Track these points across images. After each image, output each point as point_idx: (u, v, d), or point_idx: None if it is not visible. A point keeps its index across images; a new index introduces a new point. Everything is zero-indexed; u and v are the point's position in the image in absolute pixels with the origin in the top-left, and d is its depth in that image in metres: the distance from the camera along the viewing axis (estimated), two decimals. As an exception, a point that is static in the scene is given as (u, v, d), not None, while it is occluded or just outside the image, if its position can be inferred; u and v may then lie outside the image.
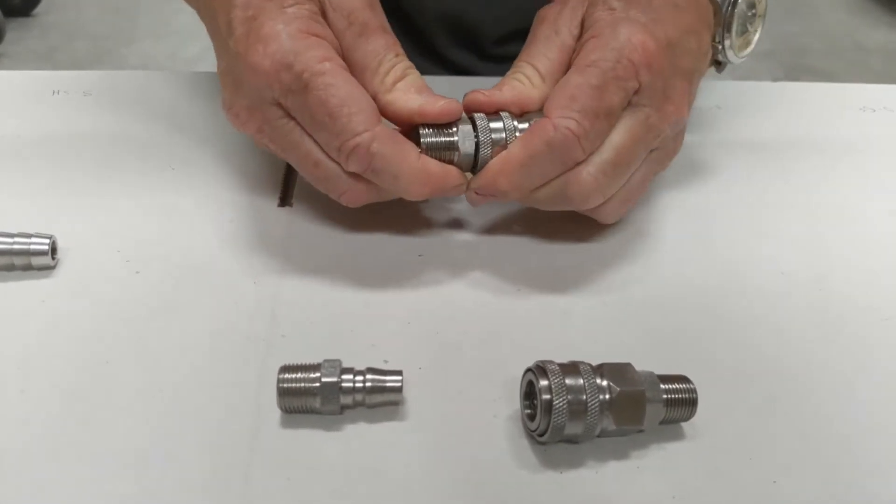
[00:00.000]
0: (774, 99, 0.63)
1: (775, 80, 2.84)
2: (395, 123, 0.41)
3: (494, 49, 0.70)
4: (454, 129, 0.40)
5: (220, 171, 0.49)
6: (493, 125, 0.40)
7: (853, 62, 2.91)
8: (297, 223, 0.45)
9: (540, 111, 0.40)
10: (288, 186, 0.48)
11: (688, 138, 0.55)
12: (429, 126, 0.40)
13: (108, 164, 0.49)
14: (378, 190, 0.40)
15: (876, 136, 0.58)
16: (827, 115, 0.61)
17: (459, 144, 0.40)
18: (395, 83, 0.40)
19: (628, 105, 0.40)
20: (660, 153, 0.43)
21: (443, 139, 0.39)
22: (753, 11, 0.48)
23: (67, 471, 0.31)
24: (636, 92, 0.39)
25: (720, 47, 0.46)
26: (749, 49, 0.48)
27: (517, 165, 0.39)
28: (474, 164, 0.40)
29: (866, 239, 0.47)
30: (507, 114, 0.40)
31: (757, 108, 0.61)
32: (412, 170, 0.38)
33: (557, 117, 0.38)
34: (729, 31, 0.46)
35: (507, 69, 0.43)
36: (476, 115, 0.40)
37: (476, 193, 0.40)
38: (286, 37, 0.37)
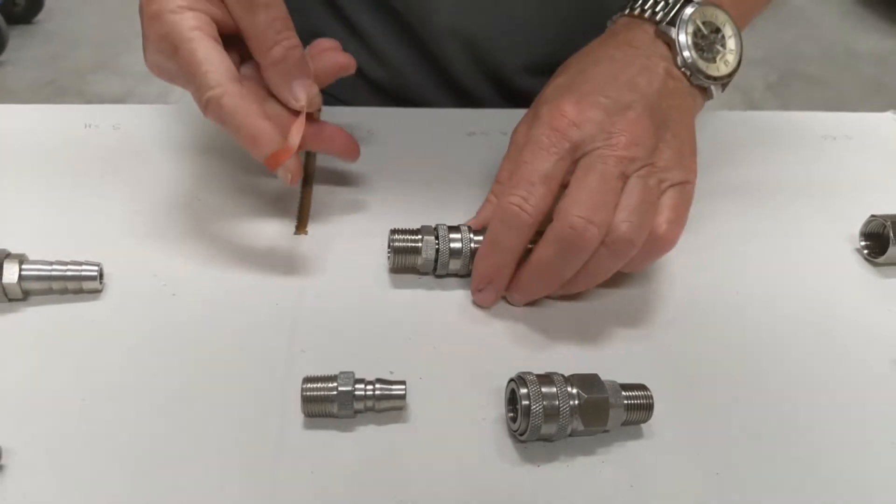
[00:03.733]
0: (740, 127, 0.69)
1: (768, 85, 2.90)
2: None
3: (516, 81, 0.71)
4: (419, 238, 0.47)
5: (242, 201, 0.54)
6: (453, 236, 0.47)
7: (845, 68, 2.96)
8: (311, 249, 0.51)
9: None
10: (303, 216, 0.54)
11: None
12: (399, 231, 0.47)
13: (142, 195, 0.54)
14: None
15: (834, 164, 0.64)
16: (790, 144, 0.66)
17: (423, 250, 0.47)
18: (274, 65, 0.45)
19: (579, 158, 0.44)
20: (646, 170, 0.44)
21: (409, 245, 0.47)
22: (721, 34, 0.49)
23: (121, 466, 0.37)
24: (576, 148, 0.43)
25: (688, 73, 0.48)
26: (729, 69, 0.49)
27: (486, 246, 0.45)
28: (434, 268, 0.48)
29: (814, 263, 0.53)
30: (466, 227, 0.48)
31: (722, 137, 0.66)
32: (250, 126, 0.43)
33: (502, 196, 0.44)
34: (685, 59, 0.47)
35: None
36: (440, 226, 0.47)
37: (478, 290, 0.46)
38: (167, 12, 0.43)
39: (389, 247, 0.47)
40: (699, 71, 0.47)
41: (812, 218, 0.57)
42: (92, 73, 2.76)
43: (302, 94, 0.46)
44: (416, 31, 0.68)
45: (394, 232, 0.48)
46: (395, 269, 0.49)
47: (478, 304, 0.47)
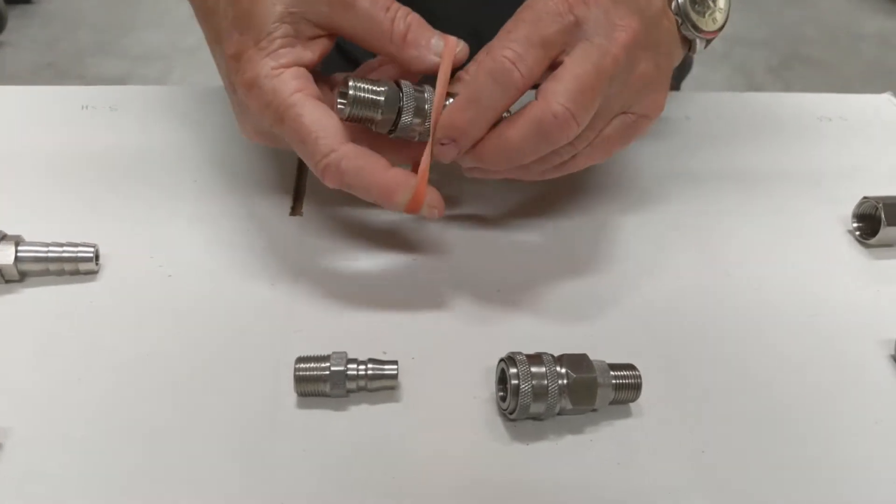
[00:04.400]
0: (736, 109, 0.69)
1: (770, 67, 2.89)
2: (422, 74, 0.44)
3: None
4: (382, 89, 0.41)
5: (237, 182, 0.55)
6: (418, 94, 0.41)
7: (848, 50, 2.94)
8: (306, 231, 0.51)
9: None
10: (298, 197, 0.54)
11: (657, 147, 0.62)
12: (359, 80, 0.41)
13: (138, 177, 0.55)
14: None
15: (829, 145, 0.64)
16: (786, 125, 0.67)
17: (383, 104, 0.41)
18: (403, 40, 0.42)
19: (578, 41, 0.41)
20: (618, 89, 0.43)
21: (369, 96, 0.41)
22: None
23: (120, 446, 0.38)
24: (578, 26, 0.41)
25: (679, 21, 0.47)
26: (716, 26, 0.48)
27: (465, 99, 0.41)
28: (393, 128, 0.42)
29: (805, 244, 0.53)
30: (431, 89, 0.42)
31: (718, 118, 0.67)
32: (379, 182, 0.41)
33: (495, 48, 0.41)
34: (679, 5, 0.47)
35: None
36: (403, 82, 0.42)
37: (441, 144, 0.42)
38: (263, 78, 0.41)
39: (344, 96, 0.41)
40: (689, 20, 0.47)
41: (806, 199, 0.57)
42: (91, 55, 2.75)
43: (441, 42, 0.43)
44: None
45: (353, 79, 0.41)
46: (349, 120, 0.42)
47: (436, 157, 0.42)
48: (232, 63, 0.43)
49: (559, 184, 0.57)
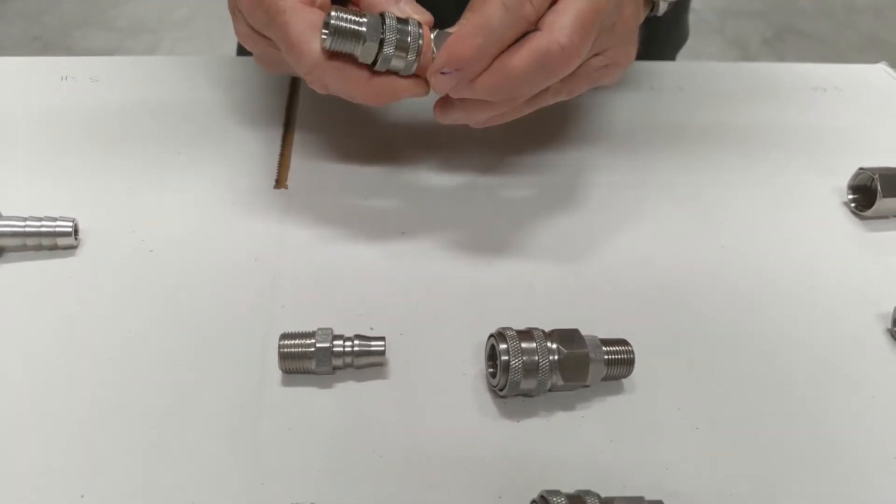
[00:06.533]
0: (733, 79, 0.68)
1: (764, 39, 2.87)
2: None
3: None
4: (363, 20, 0.40)
5: (221, 155, 0.53)
6: (401, 27, 0.41)
7: (842, 23, 2.92)
8: (291, 204, 0.50)
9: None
10: (283, 170, 0.53)
11: (651, 119, 0.60)
12: (340, 11, 0.40)
13: (119, 149, 0.53)
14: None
15: (824, 116, 0.63)
16: (780, 96, 0.65)
17: (365, 35, 0.40)
18: None
19: None
20: (604, 31, 0.43)
21: (350, 26, 0.40)
22: None
23: (102, 424, 0.37)
24: None
25: None
26: None
27: (474, 26, 0.39)
28: (374, 61, 0.41)
29: (800, 216, 0.52)
30: (416, 22, 0.41)
31: (712, 88, 0.65)
32: (365, 91, 0.42)
33: None
34: None
35: None
36: (387, 14, 0.41)
37: (441, 73, 0.40)
38: None
39: (327, 26, 0.40)
40: None
41: (800, 171, 0.57)
42: (77, 27, 2.70)
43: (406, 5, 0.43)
44: None
45: (335, 10, 0.40)
46: (332, 50, 0.41)
47: (433, 86, 0.41)
48: None
49: (551, 154, 0.56)
